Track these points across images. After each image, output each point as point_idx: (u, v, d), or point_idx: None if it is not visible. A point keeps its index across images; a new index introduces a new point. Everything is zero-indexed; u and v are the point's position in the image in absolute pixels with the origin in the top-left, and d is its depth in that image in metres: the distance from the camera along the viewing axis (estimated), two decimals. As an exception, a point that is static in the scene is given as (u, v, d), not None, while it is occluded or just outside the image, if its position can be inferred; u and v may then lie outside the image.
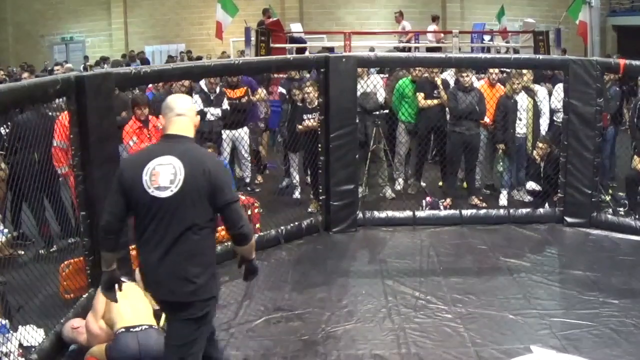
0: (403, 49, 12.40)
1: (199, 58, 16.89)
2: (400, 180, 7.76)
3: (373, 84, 7.28)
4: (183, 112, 3.04)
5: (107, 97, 4.61)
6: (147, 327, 3.81)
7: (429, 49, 12.98)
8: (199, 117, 3.24)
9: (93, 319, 3.93)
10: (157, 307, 3.98)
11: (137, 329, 3.75)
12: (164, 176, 2.87)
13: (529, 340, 4.10)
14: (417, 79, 7.45)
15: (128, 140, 5.80)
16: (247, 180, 7.80)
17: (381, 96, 7.46)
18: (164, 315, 3.93)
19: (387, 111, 7.63)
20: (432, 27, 14.26)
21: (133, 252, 5.04)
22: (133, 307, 3.87)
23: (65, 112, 5.19)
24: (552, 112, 7.32)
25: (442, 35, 14.30)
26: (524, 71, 7.15)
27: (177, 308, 2.95)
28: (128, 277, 4.34)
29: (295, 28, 13.02)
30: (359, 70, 6.58)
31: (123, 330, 3.74)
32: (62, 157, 5.56)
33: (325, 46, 13.20)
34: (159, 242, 2.89)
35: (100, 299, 4.03)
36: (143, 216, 2.91)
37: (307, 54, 10.94)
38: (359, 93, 6.58)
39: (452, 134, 7.01)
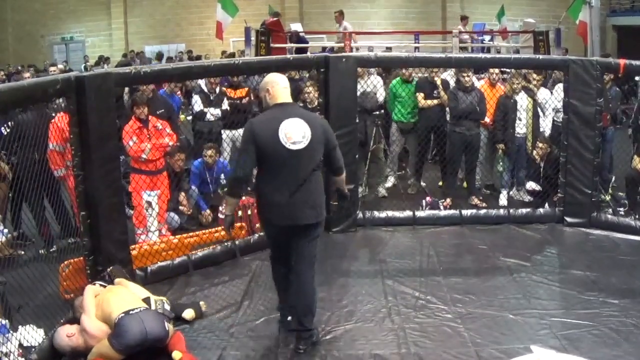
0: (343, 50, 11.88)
1: (199, 57, 16.89)
2: (392, 178, 7.76)
3: (373, 83, 7.28)
4: (286, 86, 3.94)
5: (107, 97, 4.61)
6: (143, 308, 3.94)
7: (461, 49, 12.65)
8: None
9: (88, 320, 3.94)
10: (144, 296, 4.10)
11: (135, 310, 3.88)
12: (297, 133, 3.75)
13: (529, 340, 4.09)
14: (408, 78, 7.43)
15: (128, 140, 5.80)
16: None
17: (381, 96, 7.45)
18: (152, 300, 4.06)
19: (383, 110, 7.64)
20: (459, 27, 14.17)
21: (133, 252, 5.07)
22: (122, 298, 4.03)
23: (61, 114, 5.19)
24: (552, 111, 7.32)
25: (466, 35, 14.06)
26: (534, 75, 7.22)
27: (306, 229, 3.84)
28: (105, 282, 4.39)
29: (295, 28, 13.00)
30: (359, 70, 6.58)
31: (122, 314, 3.83)
32: (58, 160, 5.55)
33: (325, 46, 13.17)
34: (293, 182, 3.75)
35: (88, 300, 4.06)
36: (279, 165, 3.75)
37: (308, 53, 10.90)
38: (358, 93, 6.58)
39: (453, 134, 7.00)
